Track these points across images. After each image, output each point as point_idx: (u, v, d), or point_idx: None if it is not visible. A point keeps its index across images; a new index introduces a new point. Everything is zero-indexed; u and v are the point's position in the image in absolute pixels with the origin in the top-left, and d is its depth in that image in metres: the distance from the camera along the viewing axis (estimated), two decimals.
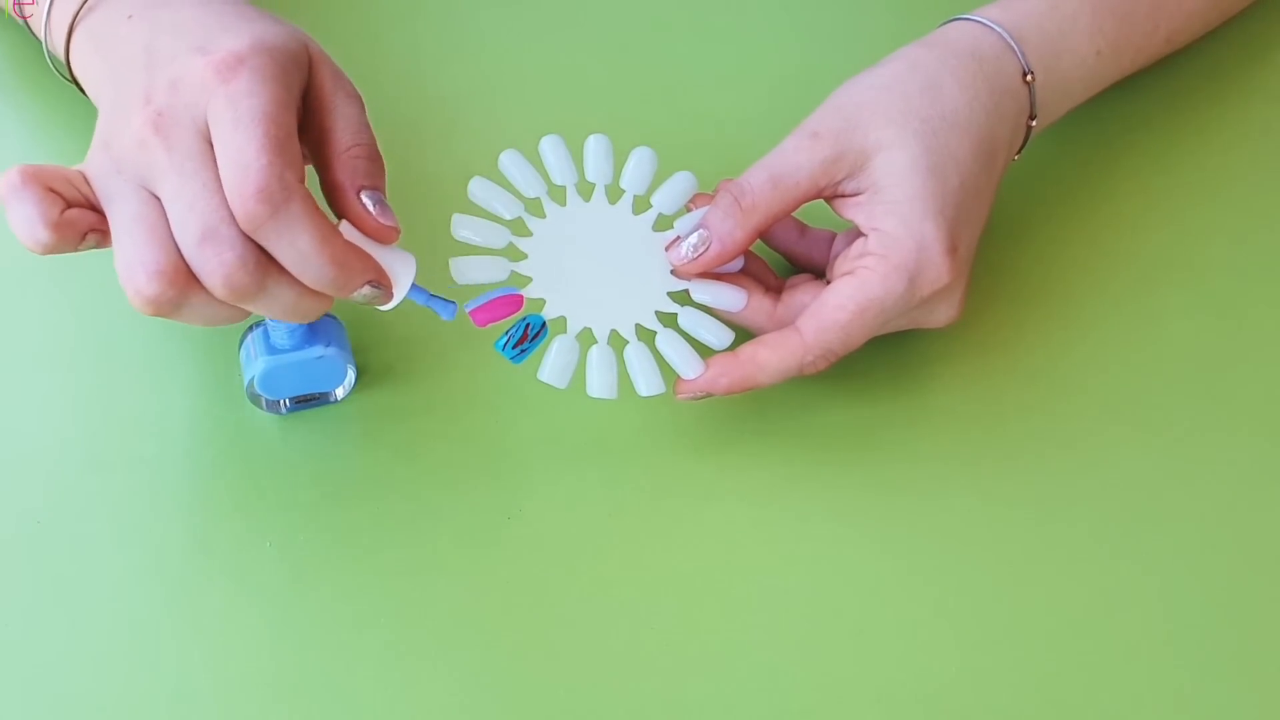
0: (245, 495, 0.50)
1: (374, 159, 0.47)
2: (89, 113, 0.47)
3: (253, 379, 0.50)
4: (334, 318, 0.52)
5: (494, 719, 0.46)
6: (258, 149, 0.41)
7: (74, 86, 0.51)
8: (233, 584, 0.48)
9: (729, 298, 0.51)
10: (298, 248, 0.43)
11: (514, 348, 0.48)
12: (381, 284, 0.46)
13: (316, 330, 0.50)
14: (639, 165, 0.52)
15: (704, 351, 0.50)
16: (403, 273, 0.47)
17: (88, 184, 0.44)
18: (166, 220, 0.43)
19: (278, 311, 0.45)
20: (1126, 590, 0.49)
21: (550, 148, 0.52)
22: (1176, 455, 0.53)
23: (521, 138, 0.53)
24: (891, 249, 0.49)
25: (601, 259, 0.51)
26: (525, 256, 0.50)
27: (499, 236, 0.50)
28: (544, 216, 0.51)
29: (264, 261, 0.43)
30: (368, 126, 0.47)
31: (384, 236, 0.46)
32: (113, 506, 0.50)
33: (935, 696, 0.47)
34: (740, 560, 0.50)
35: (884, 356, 0.54)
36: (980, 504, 0.51)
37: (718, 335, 0.50)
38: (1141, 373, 0.55)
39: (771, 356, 0.49)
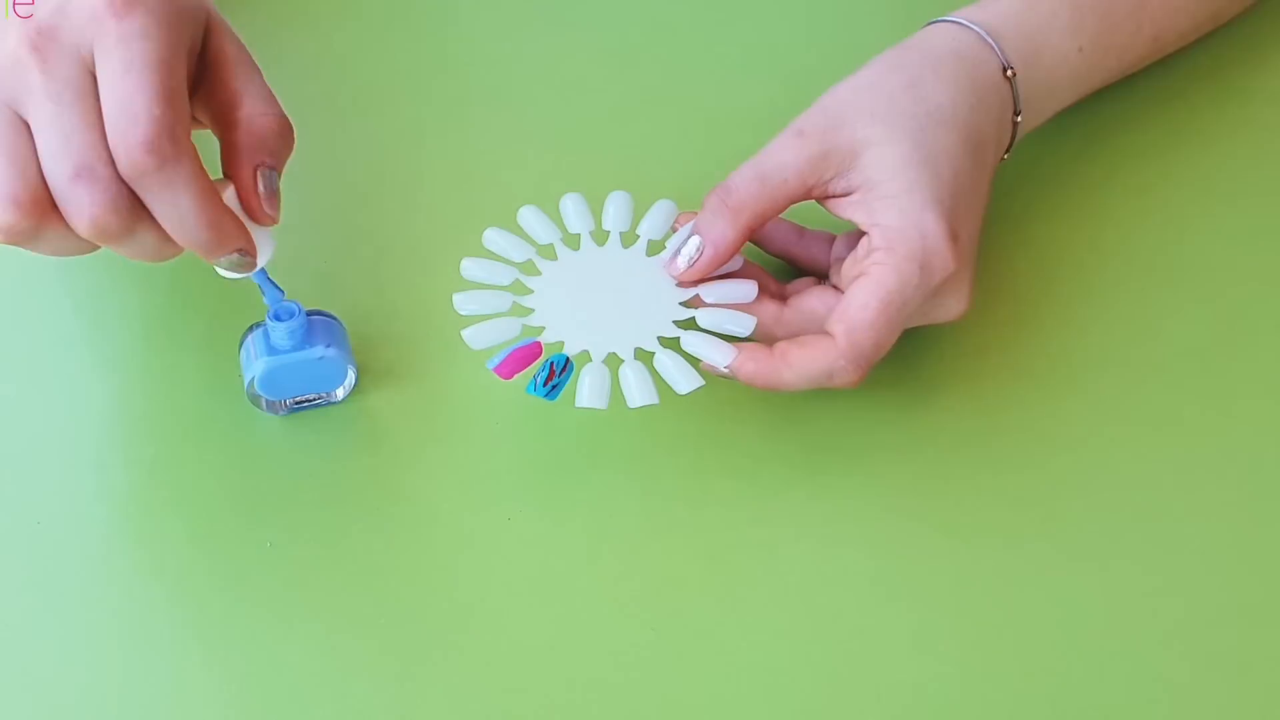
0: (245, 495, 0.50)
1: (284, 130, 0.46)
2: None
3: (253, 380, 0.50)
4: (334, 318, 0.52)
5: None
6: (150, 98, 0.40)
7: None
8: (233, 584, 0.48)
9: (739, 291, 0.51)
10: (178, 206, 0.42)
11: (545, 386, 0.48)
12: (249, 254, 0.45)
13: (317, 331, 0.51)
14: (617, 207, 0.53)
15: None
16: (263, 248, 0.46)
17: None
18: (30, 145, 0.41)
19: (132, 255, 0.44)
20: (1128, 590, 0.49)
21: (531, 215, 0.53)
22: (1177, 454, 0.53)
23: (523, 137, 0.53)
24: (896, 241, 0.49)
25: (608, 295, 0.51)
26: (532, 311, 0.51)
27: (502, 302, 0.50)
28: (540, 274, 0.52)
29: (136, 206, 0.42)
30: (274, 96, 0.46)
31: (261, 222, 0.46)
32: (113, 506, 0.50)
33: (936, 698, 0.47)
34: (740, 562, 0.50)
35: (885, 358, 0.54)
36: (981, 504, 0.51)
37: (740, 323, 0.50)
38: (1142, 372, 0.55)
39: (801, 354, 0.49)
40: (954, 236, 0.49)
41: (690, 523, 0.50)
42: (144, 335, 0.54)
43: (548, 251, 0.53)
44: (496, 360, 0.48)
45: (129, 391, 0.53)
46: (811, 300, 0.51)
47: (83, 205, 0.41)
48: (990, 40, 0.53)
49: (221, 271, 0.46)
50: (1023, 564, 0.50)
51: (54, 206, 0.41)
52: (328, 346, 0.50)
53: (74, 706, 0.46)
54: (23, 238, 0.42)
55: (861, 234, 0.50)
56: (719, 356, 0.49)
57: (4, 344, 0.54)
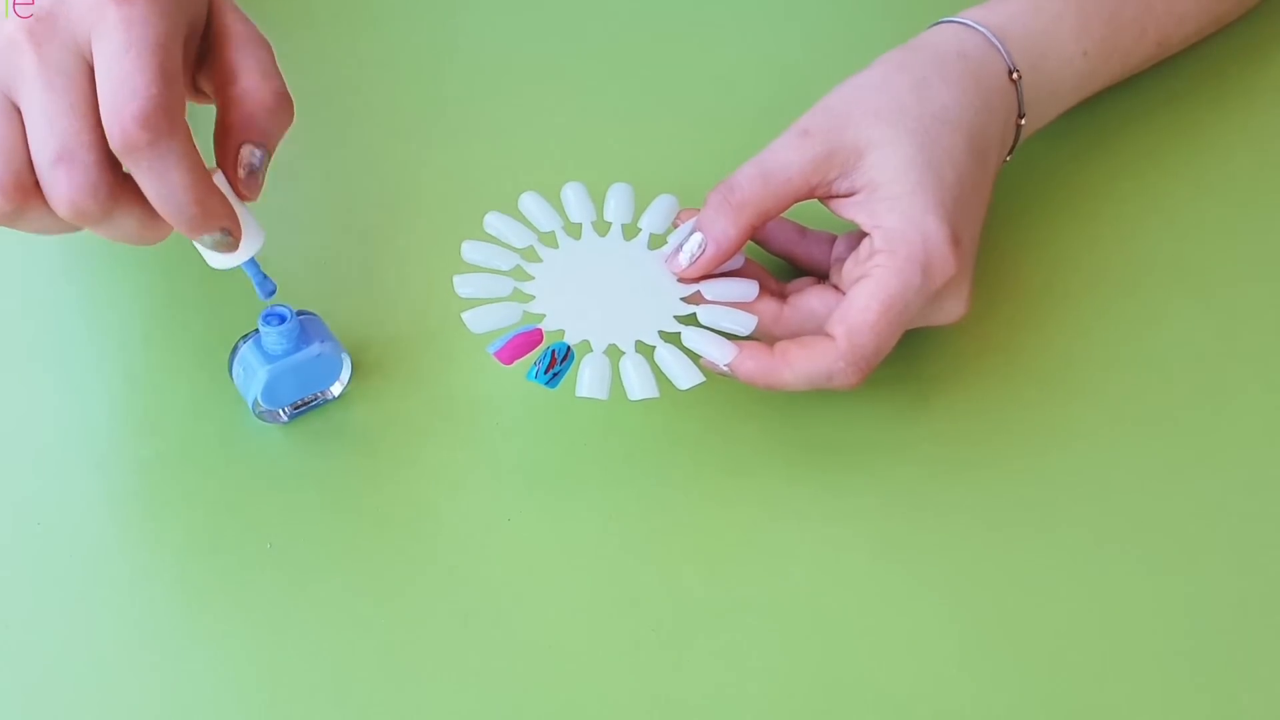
0: (245, 497, 0.50)
1: (279, 105, 0.46)
2: None
3: (258, 389, 0.50)
4: (313, 314, 0.52)
5: None
6: (149, 77, 0.41)
7: None
8: (233, 585, 0.48)
9: (740, 290, 0.51)
10: (168, 181, 0.42)
11: (545, 373, 0.48)
12: (233, 234, 0.45)
13: (306, 329, 0.51)
14: (619, 199, 0.53)
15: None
16: (252, 236, 0.46)
17: None
18: (19, 129, 0.42)
19: (112, 237, 0.44)
20: (1129, 591, 0.49)
21: (532, 202, 0.53)
22: (1177, 454, 0.53)
23: (522, 135, 0.53)
24: (898, 244, 0.49)
25: (608, 286, 0.51)
26: (533, 298, 0.50)
27: (502, 287, 0.50)
28: (541, 261, 0.52)
29: (115, 191, 0.42)
30: (277, 70, 0.46)
31: (240, 195, 0.46)
32: (113, 508, 0.50)
33: (938, 699, 0.47)
34: (740, 561, 0.50)
35: (885, 359, 0.54)
36: (983, 505, 0.51)
37: (740, 321, 0.50)
38: (1142, 372, 0.55)
39: (802, 355, 0.49)
40: (955, 240, 0.49)
41: (690, 523, 0.50)
42: (144, 336, 0.54)
43: (549, 239, 0.52)
44: (497, 345, 0.48)
45: (129, 392, 0.53)
46: (811, 300, 0.51)
47: (63, 189, 0.41)
48: (996, 42, 0.53)
49: (208, 258, 0.46)
50: (1023, 563, 0.50)
51: (37, 189, 0.42)
52: (322, 342, 0.50)
53: (74, 707, 0.46)
54: (5, 219, 0.43)
55: (863, 235, 0.50)
56: (719, 354, 0.49)
57: (4, 344, 0.54)
